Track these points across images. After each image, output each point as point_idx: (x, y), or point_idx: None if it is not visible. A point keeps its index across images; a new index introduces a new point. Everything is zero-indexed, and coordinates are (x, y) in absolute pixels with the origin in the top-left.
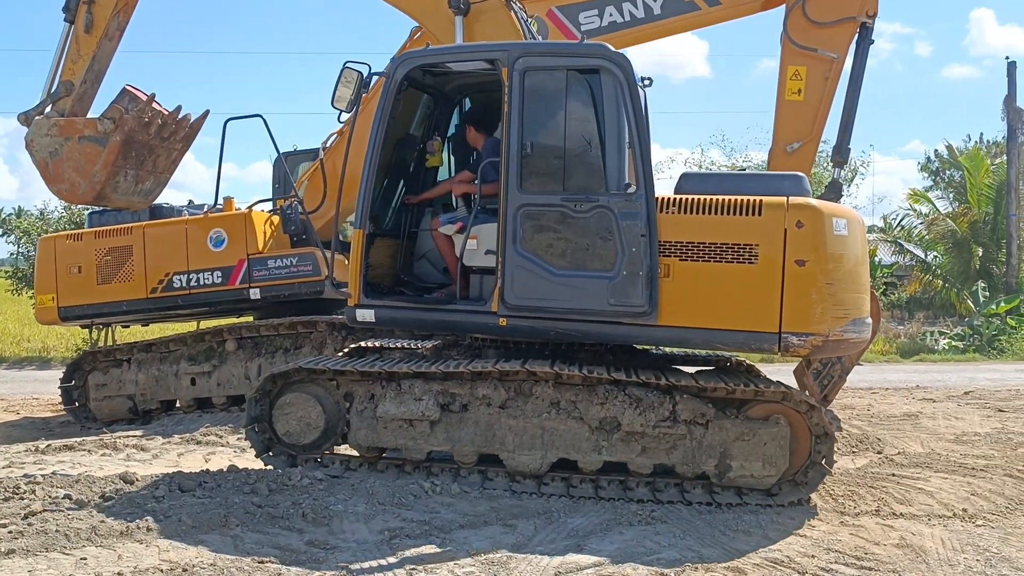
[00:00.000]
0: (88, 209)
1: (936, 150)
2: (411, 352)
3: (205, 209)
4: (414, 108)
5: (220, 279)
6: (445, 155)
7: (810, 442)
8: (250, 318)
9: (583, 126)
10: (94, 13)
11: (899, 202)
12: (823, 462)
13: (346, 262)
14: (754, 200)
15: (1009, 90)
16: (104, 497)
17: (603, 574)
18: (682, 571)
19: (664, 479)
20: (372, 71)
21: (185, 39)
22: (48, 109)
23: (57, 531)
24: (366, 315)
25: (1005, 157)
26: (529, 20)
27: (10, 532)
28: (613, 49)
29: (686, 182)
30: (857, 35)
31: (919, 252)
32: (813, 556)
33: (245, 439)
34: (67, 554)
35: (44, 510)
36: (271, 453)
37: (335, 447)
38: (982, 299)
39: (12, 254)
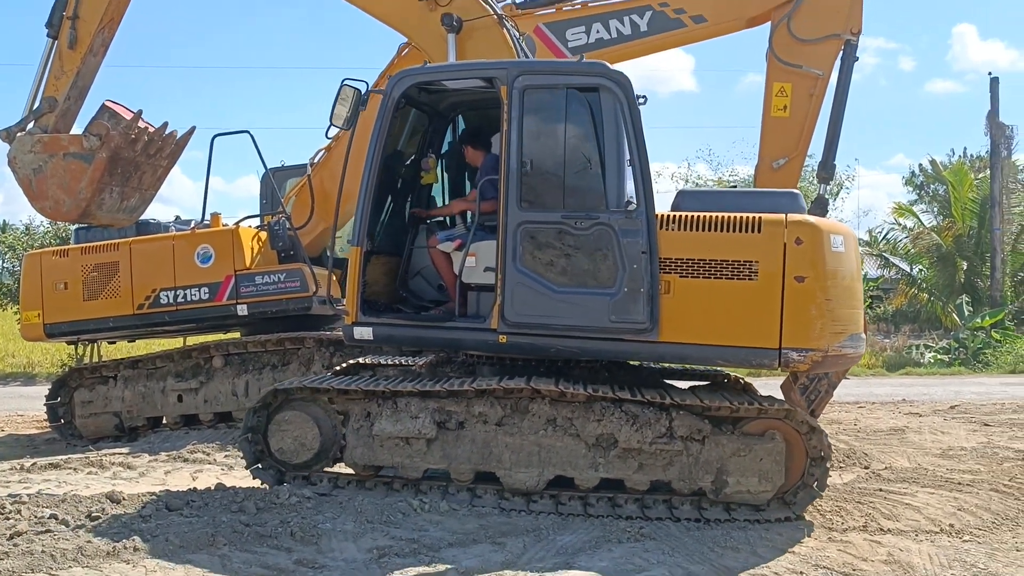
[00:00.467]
0: (75, 224)
1: (920, 164)
2: (406, 369)
3: (192, 225)
4: (404, 124)
5: (207, 295)
6: (439, 172)
7: (805, 462)
8: (237, 334)
9: (583, 144)
10: (78, 29)
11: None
12: (815, 485)
13: (335, 279)
14: (753, 217)
15: (992, 105)
16: (91, 516)
17: None
18: None
19: (653, 496)
20: (369, 88)
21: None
22: (31, 126)
23: (43, 552)
24: (364, 333)
25: (989, 172)
26: (521, 37)
27: None
28: (612, 67)
29: (683, 199)
30: (842, 52)
31: (904, 266)
32: (801, 572)
33: (234, 453)
34: (53, 575)
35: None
36: (260, 466)
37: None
38: (967, 312)
39: None
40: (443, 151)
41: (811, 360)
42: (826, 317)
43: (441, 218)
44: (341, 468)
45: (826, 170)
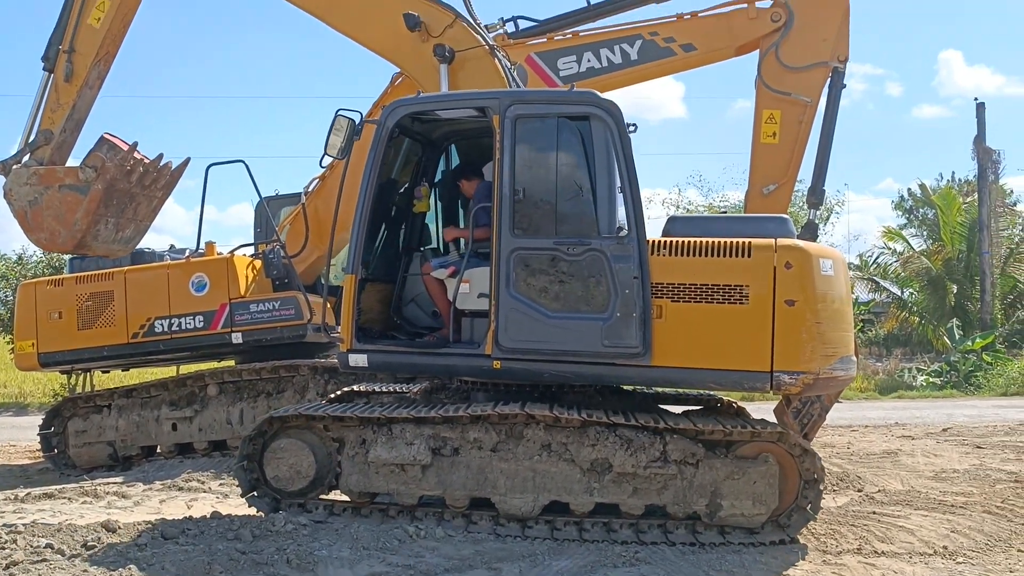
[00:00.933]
0: (70, 255)
1: (909, 188)
2: (401, 396)
3: (187, 254)
4: (397, 153)
5: (202, 324)
6: (432, 200)
7: (799, 485)
8: (231, 362)
9: (575, 171)
10: (74, 62)
11: (874, 240)
12: (809, 508)
13: (329, 306)
14: (744, 242)
15: (979, 130)
16: (86, 546)
17: None
18: None
19: (647, 520)
20: (364, 119)
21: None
22: (27, 158)
23: None
24: (359, 360)
25: (976, 196)
26: (512, 67)
27: None
28: (603, 96)
29: (674, 225)
30: (829, 79)
31: (895, 289)
32: None
33: (229, 481)
34: None
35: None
36: (255, 493)
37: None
38: (958, 335)
39: None
40: (436, 179)
41: (802, 383)
42: (816, 340)
43: (435, 245)
44: (337, 495)
45: (815, 195)
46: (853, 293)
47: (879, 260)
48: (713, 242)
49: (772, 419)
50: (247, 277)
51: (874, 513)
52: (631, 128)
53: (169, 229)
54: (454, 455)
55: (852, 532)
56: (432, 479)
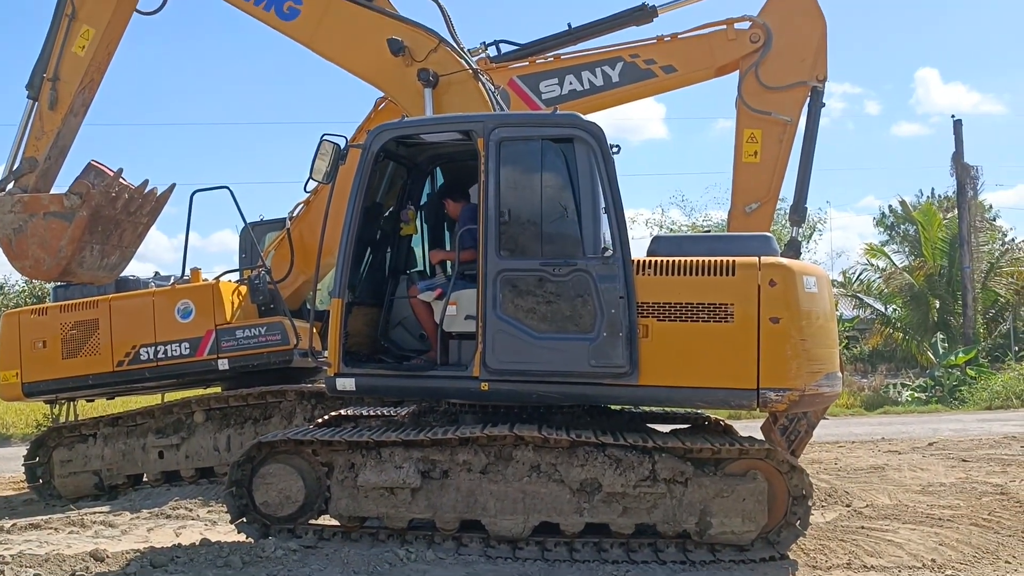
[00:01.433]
0: (53, 283)
1: (890, 205)
2: (389, 420)
3: (172, 280)
4: (383, 177)
5: (188, 351)
6: (419, 223)
7: (787, 501)
8: (218, 389)
9: (559, 193)
10: (59, 90)
11: (857, 257)
12: (798, 523)
13: (315, 331)
14: (728, 260)
15: (957, 147)
16: (74, 575)
17: None
18: None
19: (638, 539)
20: (349, 143)
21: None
22: (11, 186)
23: None
24: (346, 383)
25: (956, 212)
26: (496, 91)
27: None
28: (585, 118)
29: (659, 244)
30: (809, 98)
31: (879, 306)
32: None
33: (217, 508)
34: None
35: None
36: (245, 520)
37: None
38: (941, 350)
39: None
40: (422, 203)
41: (789, 399)
42: (802, 357)
43: (421, 268)
44: (326, 520)
45: (798, 213)
46: (837, 310)
47: (862, 277)
48: (697, 261)
49: (759, 436)
50: (233, 303)
51: (863, 528)
52: (614, 149)
53: (152, 256)
54: (443, 478)
55: (841, 547)
56: (422, 502)
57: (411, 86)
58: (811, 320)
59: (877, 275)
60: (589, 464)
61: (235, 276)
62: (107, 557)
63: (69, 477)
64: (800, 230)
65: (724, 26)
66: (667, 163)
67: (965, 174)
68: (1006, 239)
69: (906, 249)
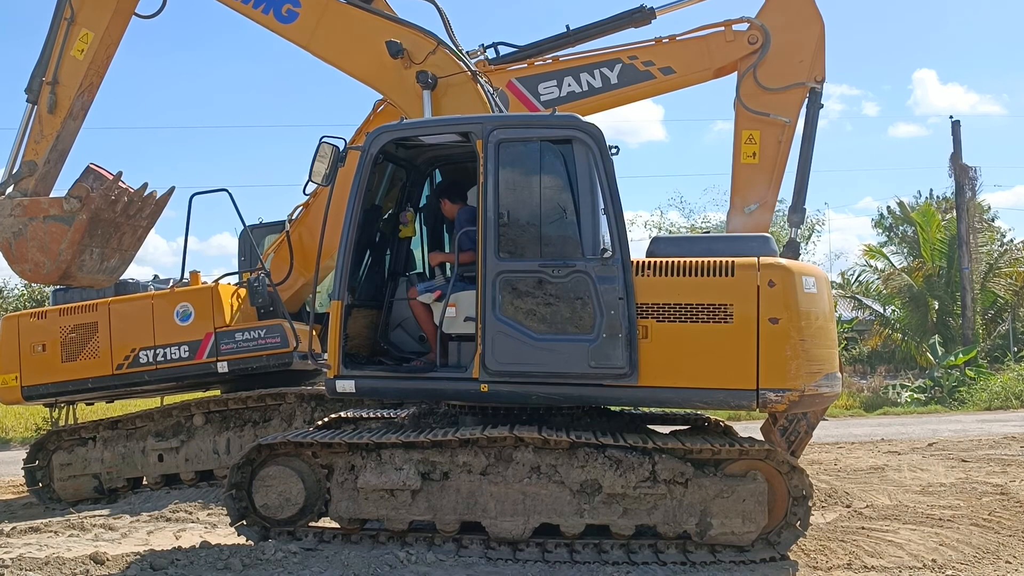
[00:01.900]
0: (52, 286)
1: (889, 206)
2: (389, 421)
3: (171, 284)
4: (382, 179)
5: (187, 353)
6: (418, 225)
7: (788, 502)
8: (217, 392)
9: (558, 194)
10: (58, 94)
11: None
12: (798, 524)
13: (315, 333)
14: (727, 261)
15: (955, 148)
16: None
17: None
18: None
19: (638, 540)
20: (348, 145)
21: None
22: (10, 190)
23: None
24: (346, 386)
25: (955, 212)
26: (494, 92)
27: None
28: (584, 119)
29: (658, 246)
30: (807, 99)
31: (877, 307)
32: None
33: (216, 511)
34: None
35: None
36: (245, 522)
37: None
38: (940, 351)
39: None
40: (421, 204)
41: (788, 400)
42: (801, 357)
43: (420, 270)
44: (326, 522)
45: (796, 214)
46: (836, 311)
47: (861, 278)
48: (697, 262)
49: (759, 437)
50: (232, 306)
51: (863, 528)
52: (613, 151)
53: (150, 260)
54: (444, 479)
55: (842, 548)
56: (422, 504)
57: (410, 88)
58: (810, 320)
59: (876, 276)
60: (589, 465)
61: (234, 279)
62: (107, 560)
63: (69, 480)
64: (799, 231)
65: (722, 28)
66: (666, 164)
67: (963, 175)
68: (1005, 240)
69: (905, 250)
